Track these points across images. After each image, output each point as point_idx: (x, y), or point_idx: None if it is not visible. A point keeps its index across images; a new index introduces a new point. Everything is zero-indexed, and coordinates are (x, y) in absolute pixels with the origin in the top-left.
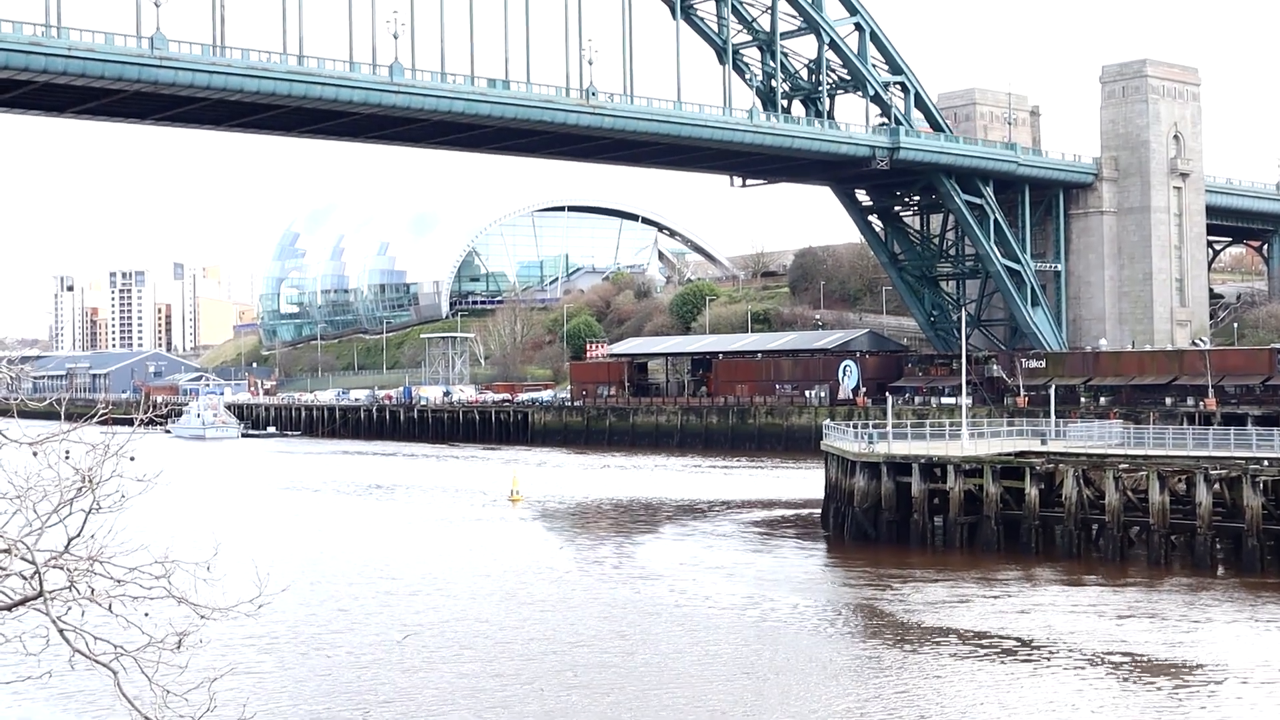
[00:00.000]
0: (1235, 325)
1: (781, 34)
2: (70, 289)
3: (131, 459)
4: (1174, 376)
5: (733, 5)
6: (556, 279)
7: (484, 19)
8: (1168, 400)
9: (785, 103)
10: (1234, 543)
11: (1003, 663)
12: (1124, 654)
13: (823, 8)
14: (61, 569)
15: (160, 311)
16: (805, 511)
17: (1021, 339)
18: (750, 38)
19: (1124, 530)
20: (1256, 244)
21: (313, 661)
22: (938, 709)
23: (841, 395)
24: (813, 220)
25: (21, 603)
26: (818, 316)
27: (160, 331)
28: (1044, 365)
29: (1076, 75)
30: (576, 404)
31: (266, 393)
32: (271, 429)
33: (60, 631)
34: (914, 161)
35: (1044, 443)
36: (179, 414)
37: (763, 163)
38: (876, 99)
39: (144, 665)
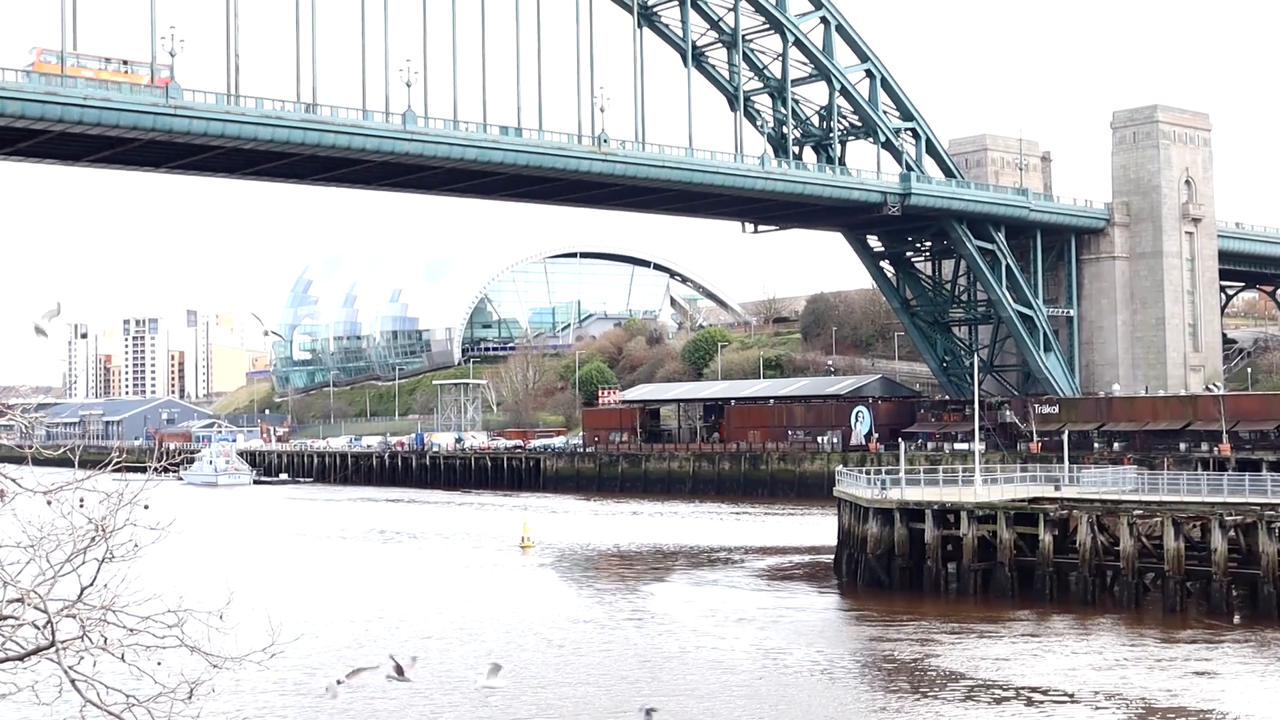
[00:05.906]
0: (1249, 370)
1: (792, 81)
2: (84, 336)
3: (145, 507)
4: (1188, 422)
5: (744, 52)
6: (569, 325)
7: (496, 67)
8: (1182, 446)
9: (797, 149)
10: (1249, 589)
11: (1020, 711)
12: (1140, 701)
13: (834, 54)
14: (74, 618)
15: (173, 358)
16: (818, 558)
17: (1034, 384)
18: (761, 85)
19: (1139, 577)
20: (1269, 288)
21: (328, 709)
22: None
23: (854, 441)
24: (824, 266)
25: (34, 652)
26: (830, 362)
27: (173, 378)
28: (1057, 411)
29: (1087, 121)
30: (589, 450)
31: (279, 439)
32: (284, 476)
33: (72, 682)
34: (926, 207)
35: (1058, 489)
36: (192, 461)
37: (774, 209)
38: (888, 145)
39: (156, 715)
